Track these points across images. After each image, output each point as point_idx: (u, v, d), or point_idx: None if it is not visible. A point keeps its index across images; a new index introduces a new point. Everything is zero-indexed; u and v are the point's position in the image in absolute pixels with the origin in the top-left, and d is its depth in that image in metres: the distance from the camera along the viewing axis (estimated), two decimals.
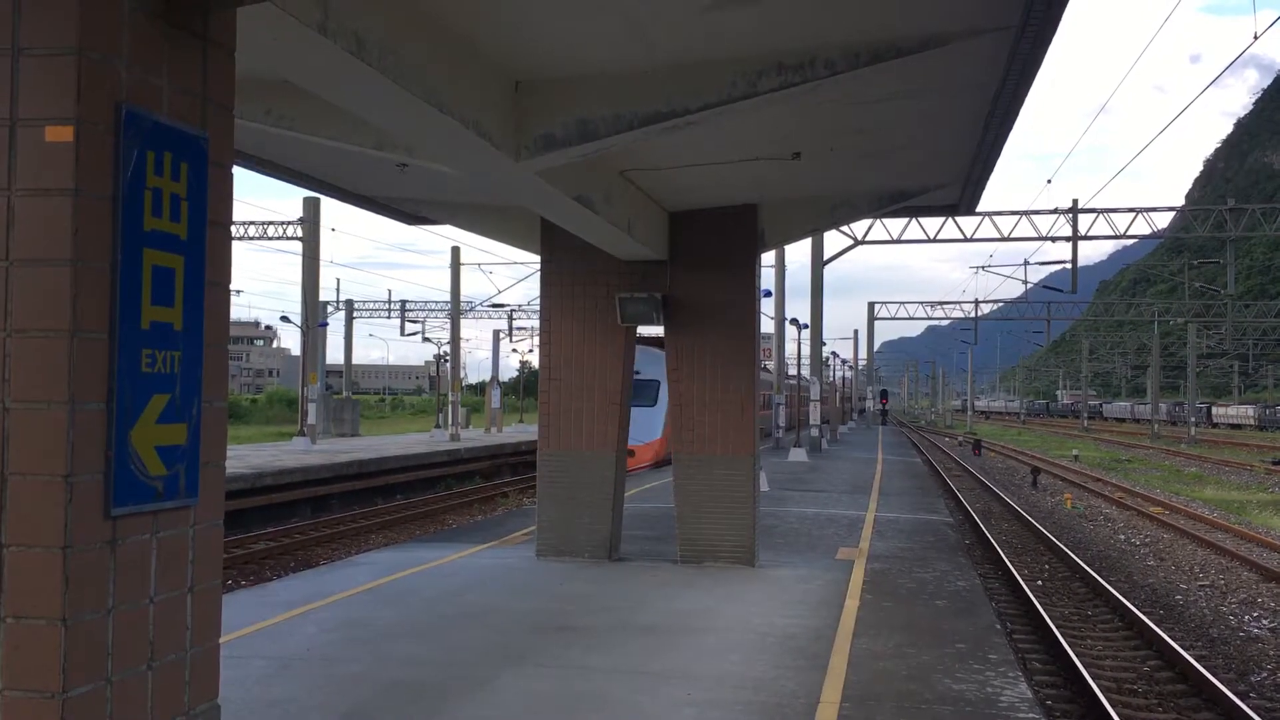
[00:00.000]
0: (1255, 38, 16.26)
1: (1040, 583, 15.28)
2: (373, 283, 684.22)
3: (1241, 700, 9.02)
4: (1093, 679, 9.55)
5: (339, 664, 7.59)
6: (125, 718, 3.24)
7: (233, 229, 3.83)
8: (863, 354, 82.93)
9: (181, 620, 3.50)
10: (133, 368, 3.24)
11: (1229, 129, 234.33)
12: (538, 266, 12.80)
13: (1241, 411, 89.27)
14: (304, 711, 6.48)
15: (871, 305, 67.85)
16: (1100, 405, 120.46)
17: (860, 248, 35.52)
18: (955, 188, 11.77)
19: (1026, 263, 43.79)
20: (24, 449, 3.04)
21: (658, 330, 13.97)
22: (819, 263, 40.04)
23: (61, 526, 3.01)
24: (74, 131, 3.05)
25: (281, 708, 6.55)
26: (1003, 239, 35.18)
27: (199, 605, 3.59)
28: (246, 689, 6.86)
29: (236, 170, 3.88)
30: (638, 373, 19.13)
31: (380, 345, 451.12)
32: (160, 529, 3.40)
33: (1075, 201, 33.97)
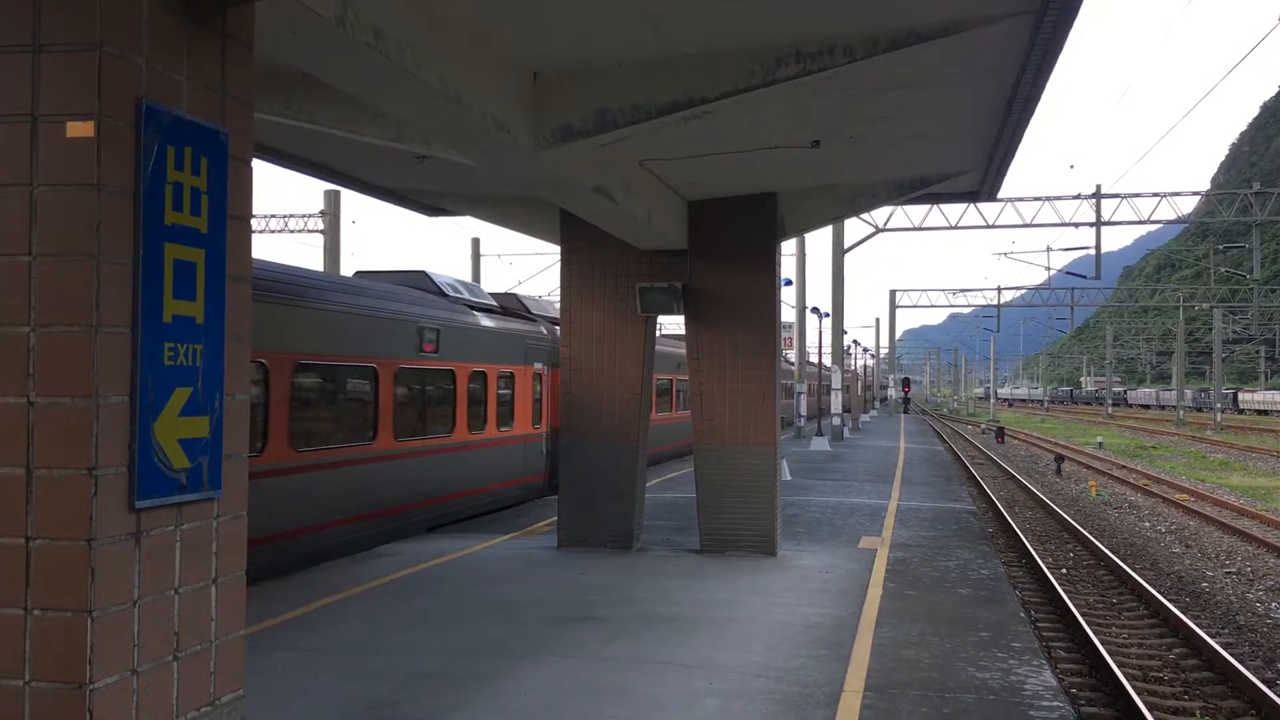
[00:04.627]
0: None
1: (1064, 570, 15.20)
2: None
3: (1269, 688, 8.95)
4: (1118, 666, 9.50)
5: (362, 655, 7.63)
6: (151, 708, 3.27)
7: (253, 222, 3.84)
8: (884, 342, 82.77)
9: (206, 611, 3.53)
10: (155, 361, 3.26)
11: (1255, 112, 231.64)
12: (559, 256, 12.81)
13: (1268, 397, 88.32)
14: (327, 702, 6.53)
15: (893, 293, 67.56)
16: (1125, 392, 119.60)
17: (881, 236, 35.42)
18: (977, 174, 11.69)
19: (1049, 249, 43.54)
20: (49, 443, 3.06)
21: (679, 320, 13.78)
22: (839, 251, 39.91)
23: (87, 520, 3.03)
24: (95, 127, 3.07)
25: (305, 699, 6.60)
26: (1025, 225, 34.97)
27: (223, 596, 3.62)
28: (270, 680, 6.91)
29: (256, 164, 3.89)
30: None
31: None
32: (184, 521, 3.42)
33: (1098, 187, 33.68)
